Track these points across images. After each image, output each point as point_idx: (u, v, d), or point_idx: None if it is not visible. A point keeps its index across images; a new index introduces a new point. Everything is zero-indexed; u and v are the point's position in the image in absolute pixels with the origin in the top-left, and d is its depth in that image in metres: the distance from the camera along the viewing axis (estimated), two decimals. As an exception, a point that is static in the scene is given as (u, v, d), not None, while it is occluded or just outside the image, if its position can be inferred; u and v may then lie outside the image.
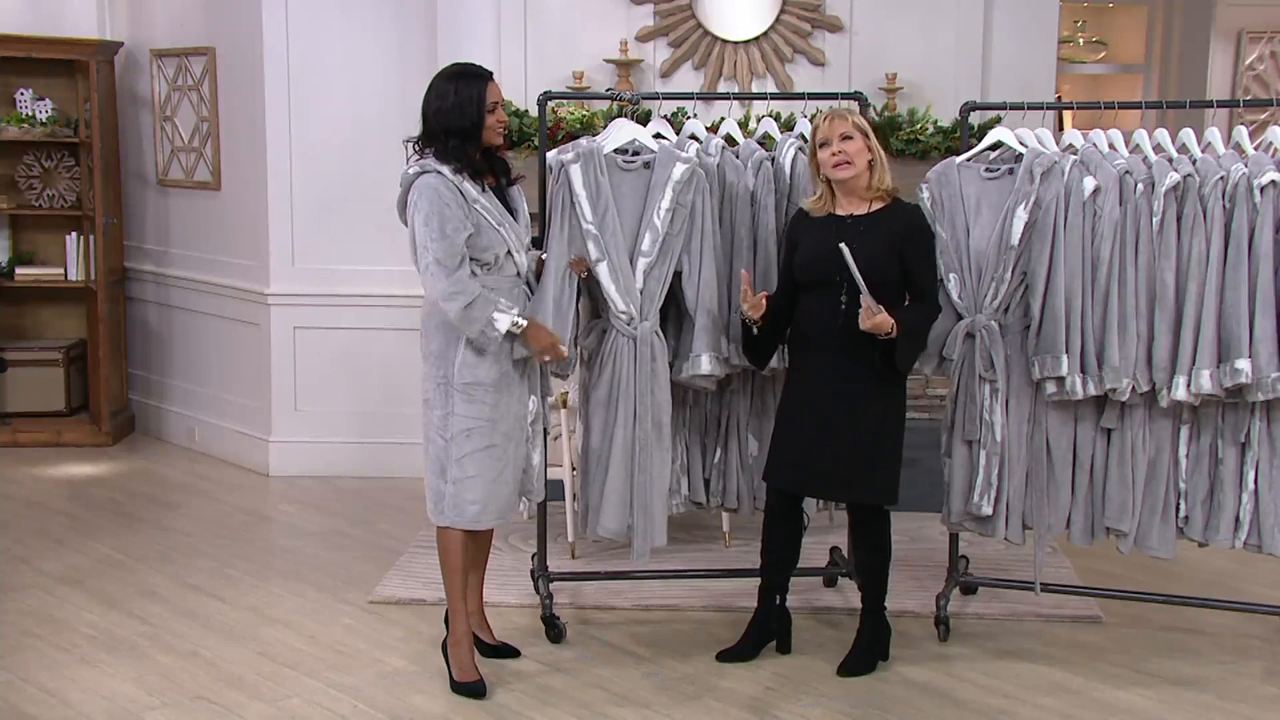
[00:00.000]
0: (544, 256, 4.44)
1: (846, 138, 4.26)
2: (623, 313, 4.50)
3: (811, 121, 4.60)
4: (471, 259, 4.12)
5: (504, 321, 4.08)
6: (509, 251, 4.19)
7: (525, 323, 4.14)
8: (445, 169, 4.08)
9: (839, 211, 4.34)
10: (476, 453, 4.18)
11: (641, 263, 4.52)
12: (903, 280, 4.32)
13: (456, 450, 4.18)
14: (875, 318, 4.13)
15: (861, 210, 4.32)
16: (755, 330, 4.44)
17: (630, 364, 4.50)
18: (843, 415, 4.29)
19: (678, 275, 4.59)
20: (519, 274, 4.27)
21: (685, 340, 4.66)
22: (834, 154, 4.27)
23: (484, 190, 4.15)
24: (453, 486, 4.20)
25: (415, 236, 4.09)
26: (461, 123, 4.08)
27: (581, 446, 4.68)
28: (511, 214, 4.24)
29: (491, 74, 4.18)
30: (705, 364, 4.60)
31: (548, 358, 4.25)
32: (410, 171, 4.13)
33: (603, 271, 4.48)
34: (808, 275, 4.35)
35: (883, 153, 4.34)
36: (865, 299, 4.14)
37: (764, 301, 4.37)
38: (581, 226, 4.45)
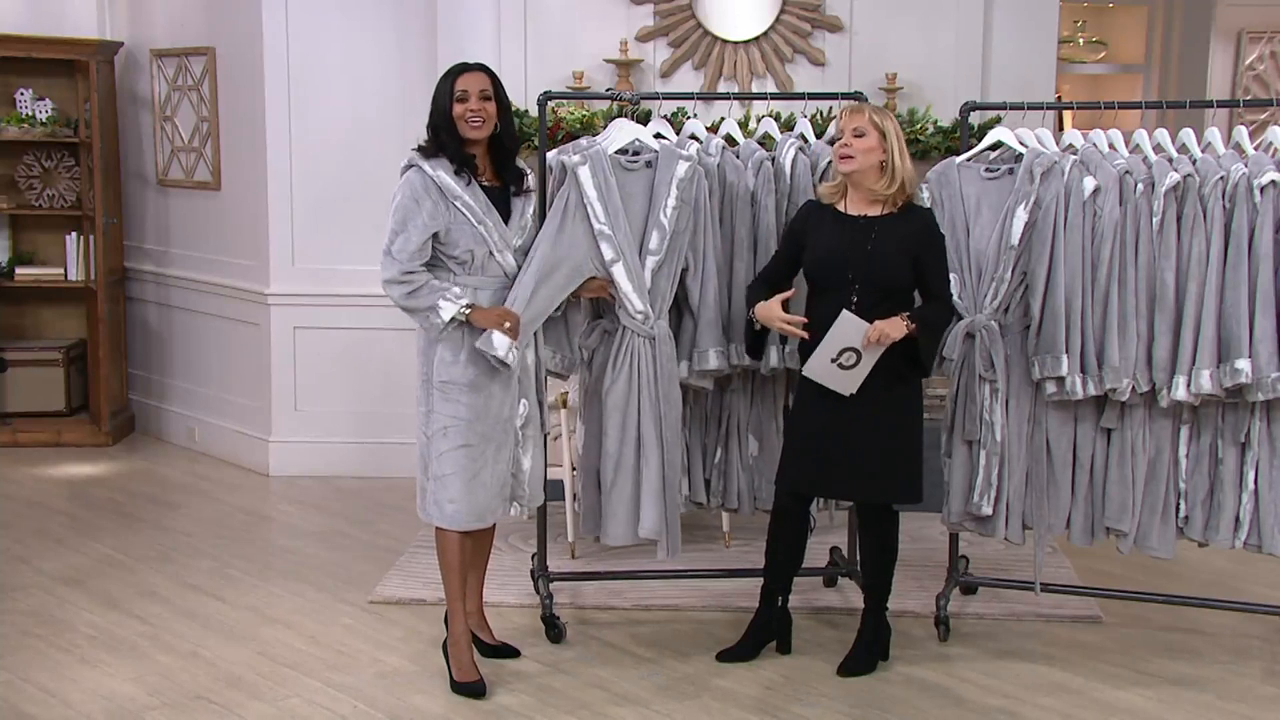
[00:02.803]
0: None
1: (859, 134, 4.22)
2: (639, 312, 4.49)
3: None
4: (449, 256, 4.15)
5: (449, 310, 4.09)
6: (491, 251, 4.19)
7: (470, 311, 4.12)
8: (425, 163, 4.12)
9: (850, 211, 4.32)
10: (453, 450, 4.19)
11: (650, 261, 4.51)
12: (915, 285, 4.30)
13: (435, 448, 4.21)
14: (883, 331, 4.13)
15: (874, 212, 4.29)
16: (758, 327, 4.42)
17: (650, 364, 4.49)
18: (855, 415, 4.28)
19: (683, 272, 4.59)
20: (505, 275, 4.26)
21: (686, 338, 4.66)
22: (841, 146, 4.25)
23: (469, 184, 4.15)
24: (433, 483, 4.23)
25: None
26: (436, 117, 4.15)
27: (584, 449, 4.67)
28: (505, 216, 4.23)
29: (478, 65, 4.19)
30: (713, 359, 4.60)
31: (508, 324, 4.13)
32: (401, 165, 4.20)
33: (619, 273, 4.46)
34: (818, 276, 4.33)
35: (901, 158, 4.22)
36: (870, 335, 4.15)
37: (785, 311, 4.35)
38: (594, 228, 4.43)
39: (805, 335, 4.27)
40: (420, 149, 4.18)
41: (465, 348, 4.16)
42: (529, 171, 4.35)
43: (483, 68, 4.20)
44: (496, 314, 4.16)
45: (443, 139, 4.14)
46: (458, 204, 4.11)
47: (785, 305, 4.34)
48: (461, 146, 4.14)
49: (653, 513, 4.52)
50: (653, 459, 4.50)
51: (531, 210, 4.35)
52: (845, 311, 4.18)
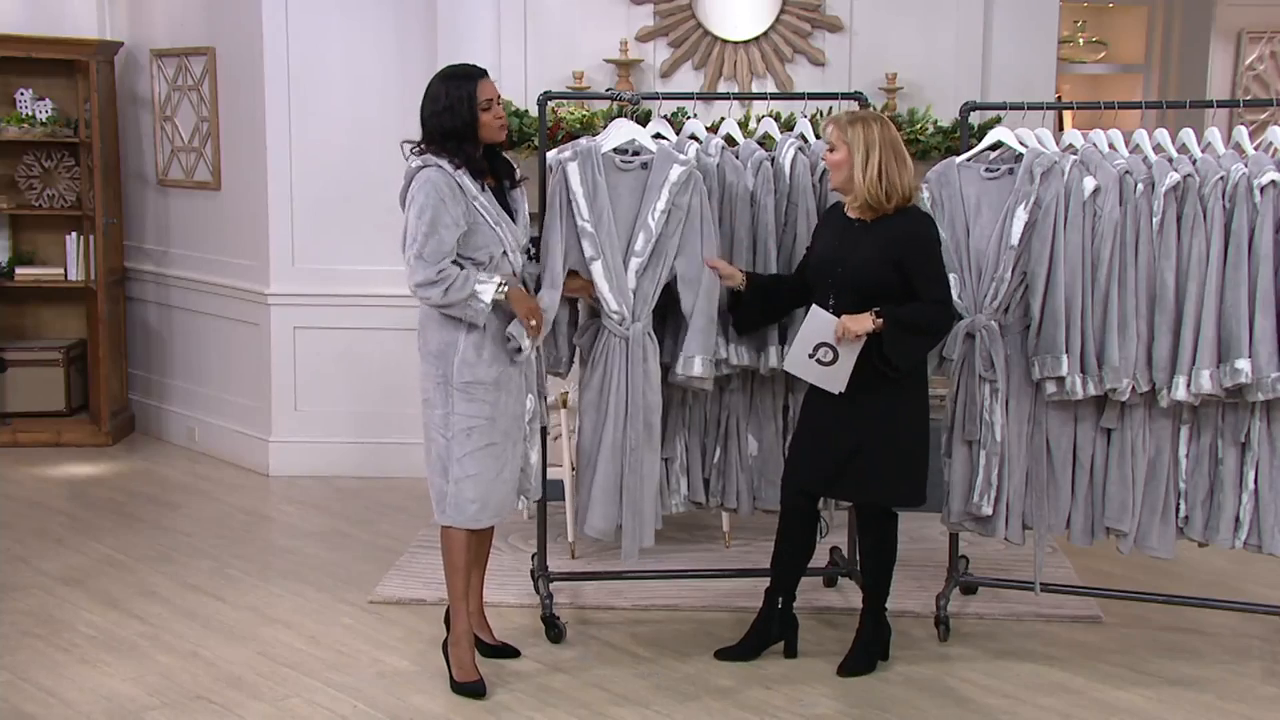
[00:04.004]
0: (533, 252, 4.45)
1: (830, 149, 4.31)
2: (615, 312, 4.50)
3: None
4: (466, 258, 4.14)
5: (488, 291, 4.09)
6: (505, 251, 4.21)
7: (508, 288, 4.15)
8: (445, 163, 4.11)
9: (850, 214, 4.35)
10: (477, 451, 4.19)
11: (634, 263, 4.51)
12: (903, 288, 4.28)
13: (458, 449, 4.19)
14: (845, 326, 4.18)
15: (869, 216, 4.31)
16: (740, 295, 4.53)
17: (622, 364, 4.50)
18: (859, 416, 4.29)
19: (673, 277, 4.59)
20: (514, 274, 4.27)
21: (683, 341, 4.65)
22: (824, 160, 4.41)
23: (483, 189, 4.17)
24: (454, 485, 4.21)
25: (407, 228, 4.12)
26: (455, 123, 4.11)
27: (578, 445, 4.69)
28: (510, 215, 4.25)
29: (485, 72, 4.19)
30: (698, 366, 4.58)
31: (533, 321, 4.21)
32: (413, 165, 4.17)
33: (596, 271, 4.47)
34: (811, 278, 4.37)
35: (866, 170, 4.20)
36: (836, 330, 4.20)
37: (737, 272, 4.53)
38: (576, 224, 4.45)
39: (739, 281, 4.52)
40: (430, 151, 4.13)
41: (488, 346, 4.17)
42: (510, 157, 4.36)
43: (486, 72, 4.21)
44: (529, 306, 4.21)
45: (464, 146, 4.11)
46: (476, 205, 4.12)
47: (785, 301, 4.49)
48: (479, 151, 4.15)
49: (599, 512, 4.54)
50: (606, 458, 4.51)
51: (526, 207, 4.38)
52: (815, 306, 4.25)
